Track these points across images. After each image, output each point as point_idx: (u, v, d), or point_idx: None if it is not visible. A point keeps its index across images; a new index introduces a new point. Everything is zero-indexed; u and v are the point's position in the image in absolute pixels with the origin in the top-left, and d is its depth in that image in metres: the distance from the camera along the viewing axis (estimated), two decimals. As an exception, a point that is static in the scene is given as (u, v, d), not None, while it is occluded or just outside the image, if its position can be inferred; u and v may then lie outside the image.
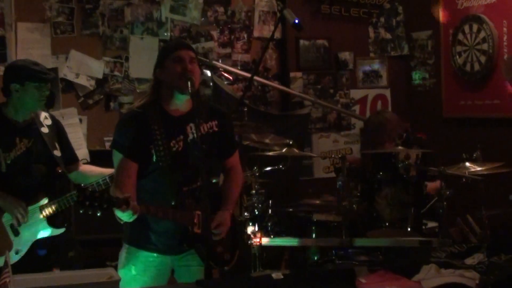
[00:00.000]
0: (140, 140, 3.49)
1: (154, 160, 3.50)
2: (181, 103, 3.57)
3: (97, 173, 4.32)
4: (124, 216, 3.30)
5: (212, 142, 3.62)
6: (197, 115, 3.48)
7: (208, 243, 3.37)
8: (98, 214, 3.22)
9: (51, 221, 4.17)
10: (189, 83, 3.40)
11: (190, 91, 3.40)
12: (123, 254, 3.68)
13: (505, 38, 5.63)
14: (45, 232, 4.18)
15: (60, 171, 4.22)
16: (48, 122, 4.30)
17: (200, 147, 3.42)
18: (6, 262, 2.99)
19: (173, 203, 3.49)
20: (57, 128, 4.36)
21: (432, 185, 4.73)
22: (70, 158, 4.40)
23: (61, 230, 4.23)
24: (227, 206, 3.67)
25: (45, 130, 4.24)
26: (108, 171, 4.13)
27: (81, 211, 3.22)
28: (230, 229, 3.64)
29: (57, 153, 4.26)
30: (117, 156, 3.54)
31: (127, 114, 3.65)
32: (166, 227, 3.55)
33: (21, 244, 4.11)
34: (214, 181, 3.81)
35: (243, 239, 4.14)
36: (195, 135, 3.54)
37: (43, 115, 4.30)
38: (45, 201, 4.15)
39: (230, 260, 3.68)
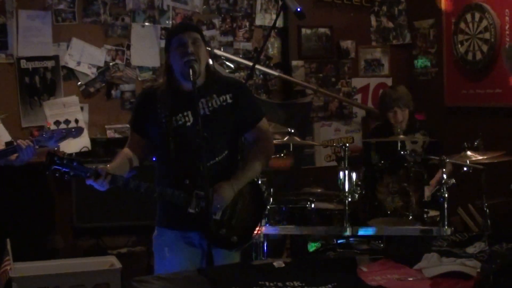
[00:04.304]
0: (142, 114, 3.55)
1: (157, 133, 3.48)
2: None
3: None
4: (95, 185, 3.31)
5: (226, 115, 3.51)
6: (207, 92, 3.48)
7: (208, 224, 3.20)
8: (65, 178, 3.31)
9: None
10: (190, 71, 3.34)
11: (191, 79, 3.33)
12: (154, 239, 3.58)
13: (507, 27, 5.61)
14: None
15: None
16: None
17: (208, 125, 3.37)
18: (7, 250, 3.00)
19: (197, 180, 3.31)
20: None
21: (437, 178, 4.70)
22: None
23: None
24: (232, 178, 3.47)
25: None
26: None
27: (46, 173, 3.28)
28: (235, 208, 3.49)
29: None
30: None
31: (140, 93, 3.89)
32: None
33: None
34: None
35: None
36: (206, 110, 3.47)
37: None
38: None
39: (240, 243, 3.49)
